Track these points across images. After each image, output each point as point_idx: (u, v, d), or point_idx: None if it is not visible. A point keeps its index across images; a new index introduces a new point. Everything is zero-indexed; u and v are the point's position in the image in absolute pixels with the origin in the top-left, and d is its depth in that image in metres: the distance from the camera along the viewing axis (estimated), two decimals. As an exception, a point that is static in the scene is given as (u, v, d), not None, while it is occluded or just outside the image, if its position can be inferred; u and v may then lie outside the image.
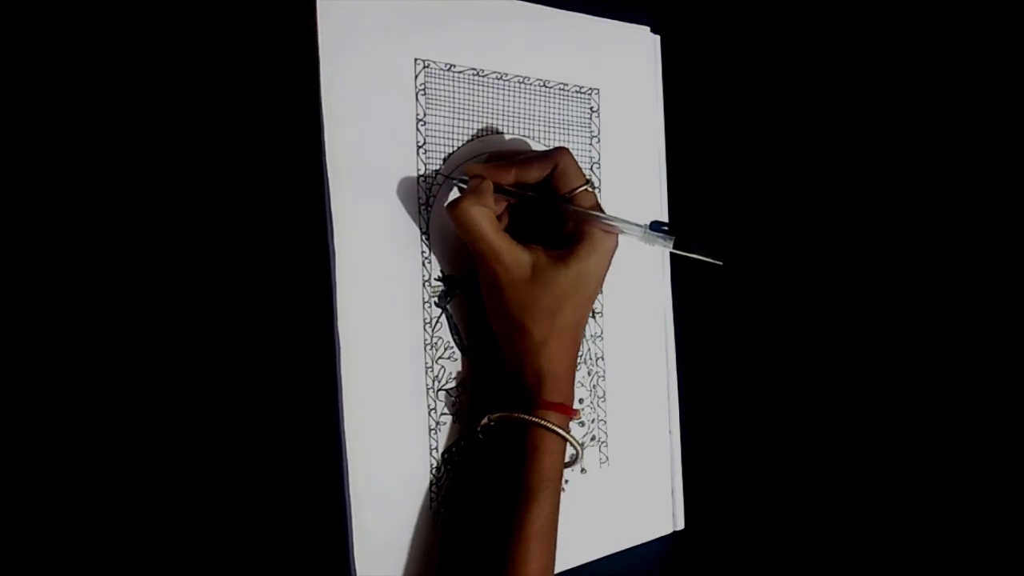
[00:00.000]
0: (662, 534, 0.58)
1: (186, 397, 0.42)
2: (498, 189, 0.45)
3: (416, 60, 0.47)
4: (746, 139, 0.65)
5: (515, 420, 0.44)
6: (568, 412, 0.45)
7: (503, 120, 0.50)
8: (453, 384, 0.48)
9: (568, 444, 0.45)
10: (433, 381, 0.47)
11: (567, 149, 0.46)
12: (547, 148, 0.50)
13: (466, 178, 0.45)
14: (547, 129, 0.52)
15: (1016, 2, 0.67)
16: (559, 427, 0.44)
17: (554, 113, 0.53)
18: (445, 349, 0.48)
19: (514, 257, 0.44)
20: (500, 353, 0.47)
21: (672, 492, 0.59)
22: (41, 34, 0.39)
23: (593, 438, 0.54)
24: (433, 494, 0.47)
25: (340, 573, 0.44)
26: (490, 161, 0.48)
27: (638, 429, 0.57)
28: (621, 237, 0.47)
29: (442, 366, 0.48)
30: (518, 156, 0.47)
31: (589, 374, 0.54)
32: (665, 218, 0.59)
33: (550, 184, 0.46)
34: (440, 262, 0.48)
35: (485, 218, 0.43)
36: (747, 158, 0.65)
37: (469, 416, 0.48)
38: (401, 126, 0.46)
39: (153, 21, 0.41)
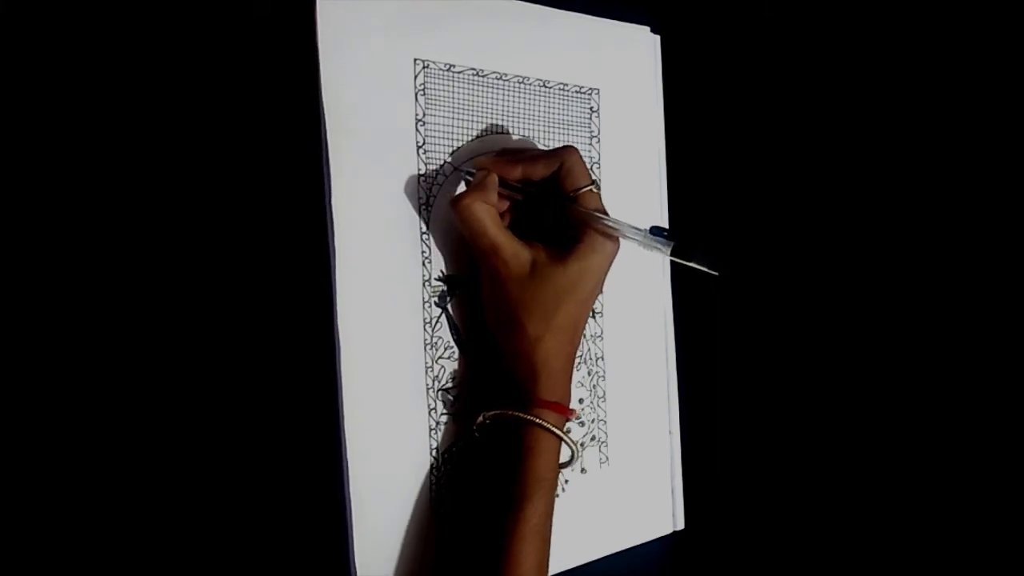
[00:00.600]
0: (662, 534, 0.58)
1: (186, 397, 0.42)
2: (503, 184, 0.45)
3: (416, 60, 0.47)
4: (746, 139, 0.65)
5: (510, 418, 0.44)
6: (564, 411, 0.45)
7: (503, 120, 0.50)
8: (453, 384, 0.48)
9: (564, 443, 0.45)
10: (433, 381, 0.47)
11: (575, 148, 0.46)
12: (550, 148, 0.50)
13: (473, 170, 0.46)
14: (547, 129, 0.52)
15: (1016, 2, 0.67)
16: (554, 426, 0.44)
17: (554, 113, 0.53)
18: (445, 349, 0.48)
19: (514, 253, 0.44)
20: (497, 351, 0.47)
21: (672, 492, 0.59)
22: (41, 34, 0.39)
23: (593, 438, 0.54)
24: (433, 494, 0.47)
25: (340, 573, 0.44)
26: (498, 156, 0.48)
27: (638, 429, 0.57)
28: (622, 239, 0.47)
29: (442, 366, 0.48)
30: (526, 153, 0.48)
31: (589, 374, 0.54)
32: (665, 219, 0.59)
33: (556, 182, 0.46)
34: (440, 262, 0.48)
35: (487, 214, 0.43)
36: (747, 158, 0.65)
37: (469, 416, 0.48)
38: (401, 126, 0.46)
39: (153, 21, 0.41)
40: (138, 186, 0.41)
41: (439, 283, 0.48)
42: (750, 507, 0.64)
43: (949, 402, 0.67)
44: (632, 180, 0.57)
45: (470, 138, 0.49)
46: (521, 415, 0.44)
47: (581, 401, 0.53)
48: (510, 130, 0.51)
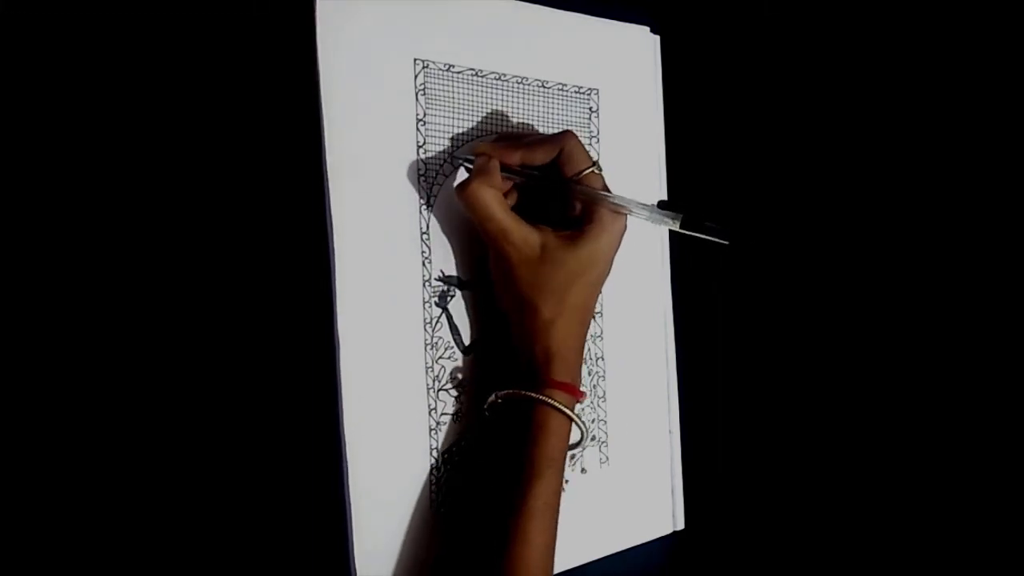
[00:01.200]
0: (662, 534, 0.58)
1: (186, 397, 0.42)
2: (504, 169, 0.45)
3: (415, 60, 0.47)
4: (746, 139, 0.65)
5: (522, 398, 0.44)
6: (575, 392, 0.45)
7: (503, 120, 0.50)
8: (453, 384, 0.48)
9: (574, 425, 0.45)
10: (433, 381, 0.47)
11: (573, 132, 0.46)
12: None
13: (472, 157, 0.46)
14: (547, 129, 0.52)
15: (1016, 2, 0.67)
16: (565, 406, 0.44)
17: (553, 113, 0.53)
18: (445, 349, 0.48)
19: (523, 237, 0.44)
20: (508, 332, 0.47)
21: (672, 492, 0.59)
22: (41, 34, 0.39)
23: (593, 438, 0.54)
24: (433, 494, 0.47)
25: (340, 573, 0.44)
26: (497, 141, 0.48)
27: (638, 429, 0.57)
28: (632, 217, 0.47)
29: (442, 366, 0.48)
30: (525, 138, 0.48)
31: (589, 374, 0.54)
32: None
33: (557, 167, 0.46)
34: (440, 262, 0.48)
35: (494, 198, 0.44)
36: (747, 158, 0.65)
37: (469, 416, 0.48)
38: (401, 126, 0.46)
39: (153, 21, 0.41)
40: (138, 186, 0.41)
41: (439, 283, 0.48)
42: (750, 507, 0.64)
43: (952, 401, 0.67)
44: (632, 181, 0.57)
45: (470, 138, 0.49)
46: (533, 395, 0.44)
47: (580, 403, 0.53)
48: (508, 131, 0.51)
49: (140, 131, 0.41)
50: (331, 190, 0.43)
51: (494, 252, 0.46)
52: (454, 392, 0.48)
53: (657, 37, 0.58)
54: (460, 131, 0.49)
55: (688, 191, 0.60)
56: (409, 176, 0.46)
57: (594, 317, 0.54)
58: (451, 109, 0.48)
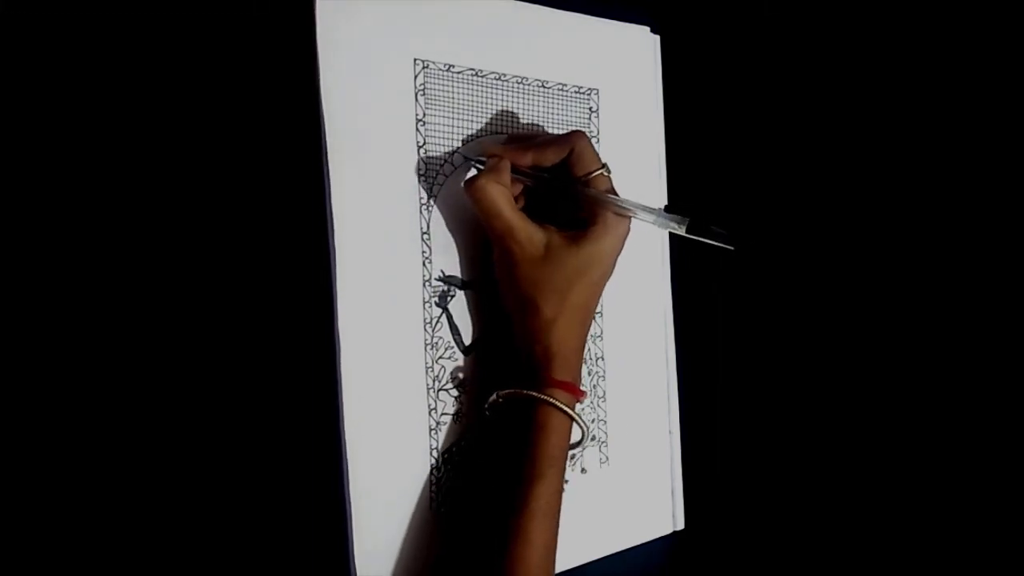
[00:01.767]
0: (662, 534, 0.58)
1: (186, 397, 0.42)
2: (514, 170, 0.46)
3: (415, 60, 0.47)
4: (746, 139, 0.65)
5: (523, 397, 0.44)
6: (575, 392, 0.45)
7: (503, 120, 0.50)
8: (453, 384, 0.48)
9: (575, 424, 0.45)
10: (433, 381, 0.47)
11: (584, 133, 0.47)
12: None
13: (483, 158, 0.46)
14: (547, 130, 0.52)
15: (1016, 2, 0.67)
16: (566, 405, 0.44)
17: (553, 113, 0.53)
18: (445, 349, 0.48)
19: (528, 235, 0.45)
20: (510, 331, 0.47)
21: (672, 492, 0.59)
22: (41, 34, 0.39)
23: (593, 438, 0.54)
24: (433, 494, 0.47)
25: (340, 573, 0.44)
26: (508, 143, 0.49)
27: (638, 429, 0.57)
28: (637, 220, 0.47)
29: (442, 366, 0.48)
30: (535, 139, 0.48)
31: (589, 374, 0.54)
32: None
33: (566, 167, 0.46)
34: (440, 262, 0.48)
35: (501, 196, 0.44)
36: (747, 158, 0.65)
37: (469, 416, 0.48)
38: (401, 126, 0.46)
39: (153, 21, 0.41)
40: (138, 186, 0.41)
41: (439, 283, 0.48)
42: (750, 507, 0.64)
43: (952, 401, 0.67)
44: (632, 181, 0.56)
45: (470, 138, 0.49)
46: (534, 394, 0.44)
47: (580, 403, 0.53)
48: (510, 131, 0.51)
49: (140, 131, 0.41)
50: (331, 190, 0.43)
51: (498, 249, 0.46)
52: (454, 392, 0.48)
53: (657, 37, 0.58)
54: (460, 131, 0.49)
55: (688, 191, 0.60)
56: (409, 176, 0.46)
57: (594, 317, 0.54)
58: (451, 109, 0.48)
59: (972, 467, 0.67)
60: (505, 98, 0.50)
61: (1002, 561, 0.66)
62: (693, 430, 0.60)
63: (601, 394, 0.55)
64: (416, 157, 0.47)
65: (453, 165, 0.48)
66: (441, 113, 0.48)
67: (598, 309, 0.54)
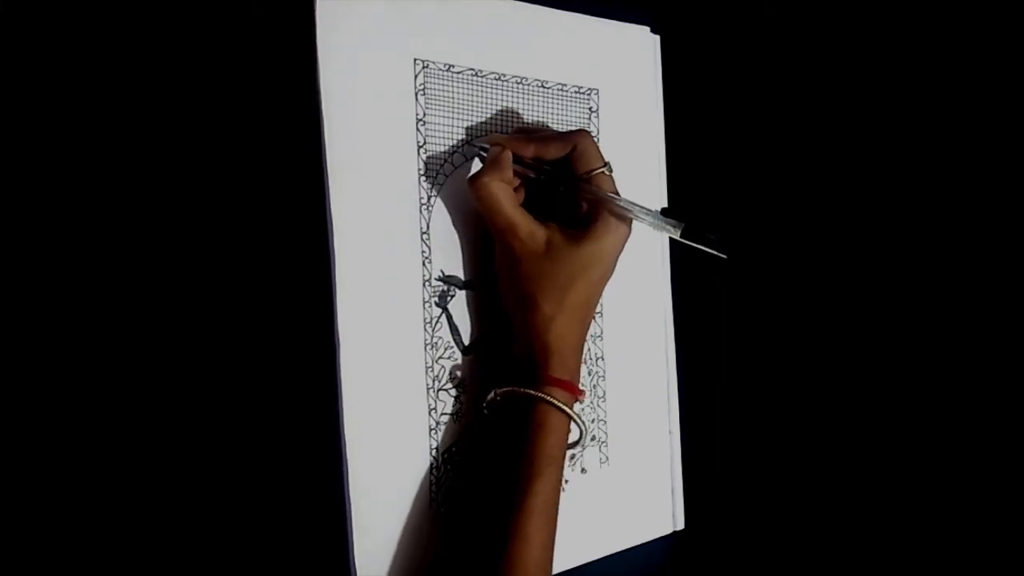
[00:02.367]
0: (662, 534, 0.58)
1: (186, 397, 0.42)
2: (517, 161, 0.46)
3: (415, 60, 0.47)
4: (746, 139, 0.65)
5: (521, 395, 0.44)
6: (573, 390, 0.45)
7: (503, 120, 0.50)
8: (452, 384, 0.48)
9: (573, 423, 0.45)
10: (433, 381, 0.47)
11: (588, 132, 0.47)
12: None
13: (487, 147, 0.46)
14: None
15: (1016, 2, 0.67)
16: (564, 404, 0.44)
17: (553, 113, 0.53)
18: (445, 349, 0.48)
19: (530, 232, 0.45)
20: (509, 331, 0.47)
21: (672, 492, 0.59)
22: (41, 34, 0.39)
23: (593, 438, 0.54)
24: (433, 494, 0.47)
25: (340, 573, 0.44)
26: (512, 134, 0.49)
27: (638, 429, 0.57)
28: (634, 222, 0.47)
29: (442, 366, 0.48)
30: (539, 133, 0.49)
31: (589, 374, 0.54)
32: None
33: (569, 164, 0.47)
34: (440, 262, 0.48)
35: (504, 192, 0.44)
36: (747, 158, 0.65)
37: (469, 416, 0.48)
38: (401, 126, 0.46)
39: (153, 21, 0.41)
40: (138, 186, 0.41)
41: (439, 283, 0.48)
42: (750, 507, 0.64)
43: (952, 401, 0.67)
44: (632, 181, 0.56)
45: (470, 138, 0.49)
46: (532, 392, 0.44)
47: (580, 402, 0.53)
48: (510, 131, 0.51)
49: (140, 131, 0.41)
50: (331, 190, 0.43)
51: (500, 246, 0.46)
52: (454, 392, 0.48)
53: (657, 37, 0.58)
54: (460, 131, 0.49)
55: (687, 191, 0.60)
56: (409, 176, 0.46)
57: (594, 317, 0.54)
58: (451, 109, 0.48)
59: (972, 467, 0.67)
60: (505, 98, 0.50)
61: (1002, 561, 0.66)
62: (693, 430, 0.60)
63: (601, 394, 0.55)
64: (416, 157, 0.47)
65: (453, 165, 0.48)
66: (441, 113, 0.48)
67: (598, 309, 0.54)
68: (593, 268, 0.46)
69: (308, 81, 0.43)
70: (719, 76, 0.64)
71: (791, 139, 0.66)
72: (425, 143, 0.47)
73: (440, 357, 0.48)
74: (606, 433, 0.55)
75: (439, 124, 0.48)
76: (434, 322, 0.47)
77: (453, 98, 0.48)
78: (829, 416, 0.66)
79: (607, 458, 0.55)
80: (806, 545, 0.65)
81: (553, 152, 0.46)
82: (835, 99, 0.67)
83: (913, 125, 0.68)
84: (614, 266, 0.47)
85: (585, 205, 0.47)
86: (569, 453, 0.47)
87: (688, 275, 0.60)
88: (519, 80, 0.51)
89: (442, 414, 0.47)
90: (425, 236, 0.47)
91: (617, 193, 0.47)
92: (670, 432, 0.59)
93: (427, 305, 0.47)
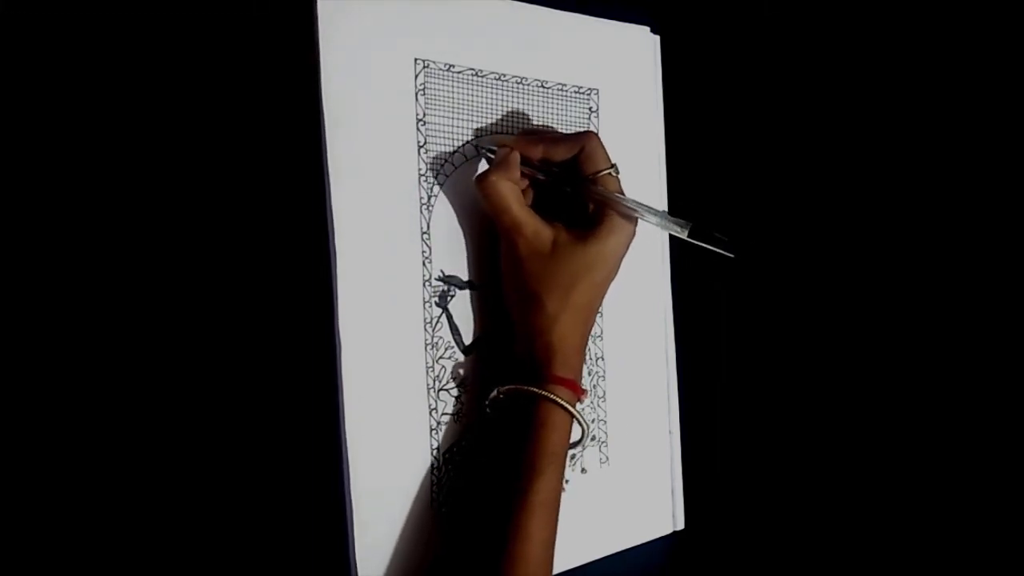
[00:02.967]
0: (662, 534, 0.58)
1: (186, 397, 0.42)
2: (524, 163, 0.46)
3: (416, 60, 0.47)
4: (746, 139, 0.65)
5: (524, 393, 0.44)
6: (576, 389, 0.45)
7: (503, 120, 0.50)
8: (453, 384, 0.48)
9: (575, 422, 0.45)
10: (433, 381, 0.47)
11: (595, 133, 0.48)
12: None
13: (494, 148, 0.47)
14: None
15: (1016, 2, 0.67)
16: (567, 402, 0.44)
17: (553, 113, 0.53)
18: (445, 349, 0.48)
19: (536, 231, 0.45)
20: (510, 330, 0.47)
21: (672, 492, 0.59)
22: (41, 34, 0.39)
23: (593, 438, 0.54)
24: (433, 494, 0.47)
25: (340, 573, 0.44)
26: (520, 136, 0.49)
27: (638, 429, 0.57)
28: (641, 222, 0.47)
29: (442, 366, 0.48)
30: (547, 134, 0.49)
31: (589, 374, 0.54)
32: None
33: (576, 165, 0.47)
34: (440, 262, 0.48)
35: (511, 191, 0.45)
36: (747, 158, 0.65)
37: (470, 416, 0.48)
38: (401, 126, 0.46)
39: (153, 21, 0.41)
40: (138, 186, 0.41)
41: (439, 283, 0.48)
42: (750, 507, 0.64)
43: (952, 401, 0.67)
44: (632, 181, 0.56)
45: (470, 138, 0.49)
46: (535, 390, 0.44)
47: (581, 402, 0.53)
48: (510, 130, 0.51)
49: (140, 131, 0.41)
50: (332, 190, 0.43)
51: (505, 244, 0.46)
52: (454, 392, 0.48)
53: (657, 37, 0.58)
54: (460, 131, 0.49)
55: (688, 191, 0.60)
56: (409, 176, 0.46)
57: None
58: (451, 109, 0.48)
59: (971, 468, 0.67)
60: (505, 98, 0.50)
61: (1002, 561, 0.66)
62: (693, 430, 0.60)
63: (601, 394, 0.55)
64: (416, 157, 0.47)
65: (454, 165, 0.48)
66: (441, 113, 0.48)
67: (599, 309, 0.54)
68: (597, 269, 0.46)
69: (309, 81, 0.43)
70: (719, 76, 0.64)
71: (791, 139, 0.66)
72: (425, 143, 0.47)
73: (440, 357, 0.48)
74: (606, 433, 0.55)
75: (439, 124, 0.48)
76: (434, 322, 0.47)
77: (453, 98, 0.48)
78: (829, 416, 0.66)
79: (607, 458, 0.55)
80: (806, 545, 0.65)
81: (561, 154, 0.47)
82: (835, 99, 0.67)
83: (915, 125, 0.68)
84: (618, 267, 0.48)
85: (591, 206, 0.47)
86: (569, 453, 0.47)
87: (688, 275, 0.60)
88: (519, 80, 0.51)
89: (443, 414, 0.47)
90: (425, 236, 0.47)
91: (623, 194, 0.47)
92: (670, 432, 0.59)
93: (427, 305, 0.47)
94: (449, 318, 0.48)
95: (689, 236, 0.46)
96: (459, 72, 0.48)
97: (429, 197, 0.47)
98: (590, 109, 0.54)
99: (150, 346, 0.41)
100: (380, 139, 0.45)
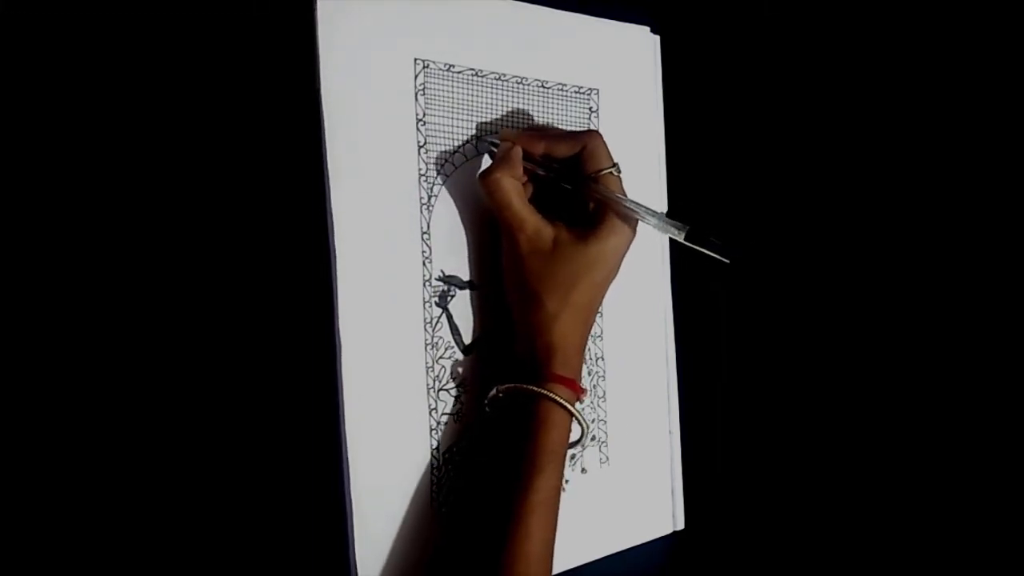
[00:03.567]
0: (662, 534, 0.58)
1: (186, 397, 0.42)
2: (526, 158, 0.46)
3: (416, 60, 0.47)
4: (746, 139, 0.65)
5: (524, 392, 0.44)
6: (576, 388, 0.45)
7: (503, 120, 0.50)
8: (453, 384, 0.48)
9: (575, 420, 0.45)
10: (433, 381, 0.47)
11: (598, 132, 0.48)
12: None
13: (497, 142, 0.47)
14: (547, 129, 0.52)
15: (1016, 2, 0.67)
16: (567, 401, 0.44)
17: (553, 113, 0.53)
18: (445, 349, 0.48)
19: (537, 229, 0.45)
20: (510, 330, 0.47)
21: (672, 492, 0.59)
22: (41, 34, 0.39)
23: (593, 438, 0.54)
24: (433, 493, 0.47)
25: (340, 572, 0.44)
26: (523, 131, 0.50)
27: (638, 429, 0.57)
28: (639, 223, 0.47)
29: (442, 366, 0.48)
30: (550, 131, 0.50)
31: (589, 374, 0.54)
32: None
33: (578, 163, 0.47)
34: (440, 262, 0.48)
35: (514, 189, 0.45)
36: (747, 158, 0.65)
37: (469, 416, 0.48)
38: (401, 126, 0.46)
39: (153, 21, 0.41)
40: (138, 186, 0.41)
41: (439, 283, 0.48)
42: (750, 507, 0.64)
43: (952, 401, 0.67)
44: (632, 181, 0.56)
45: (470, 138, 0.49)
46: (534, 388, 0.44)
47: (580, 401, 0.53)
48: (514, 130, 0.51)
49: (140, 131, 0.41)
50: (331, 190, 0.43)
51: (507, 242, 0.46)
52: (454, 392, 0.48)
53: (657, 37, 0.58)
54: (460, 131, 0.49)
55: (687, 192, 0.60)
56: (409, 176, 0.46)
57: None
58: (451, 109, 0.48)
59: (971, 468, 0.67)
60: (505, 98, 0.50)
61: (1002, 561, 0.66)
62: (693, 430, 0.60)
63: (601, 394, 0.55)
64: (416, 157, 0.47)
65: (454, 165, 0.48)
66: (441, 113, 0.48)
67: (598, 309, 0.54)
68: (598, 268, 0.46)
69: (308, 81, 0.43)
70: (719, 76, 0.64)
71: (791, 140, 0.66)
72: (425, 143, 0.47)
73: (440, 357, 0.48)
74: (606, 433, 0.55)
75: (439, 124, 0.48)
76: (434, 322, 0.47)
77: (453, 98, 0.48)
78: (829, 416, 0.66)
79: (607, 458, 0.55)
80: (806, 545, 0.65)
81: (563, 150, 0.47)
82: (835, 100, 0.67)
83: (915, 126, 0.68)
84: (619, 267, 0.48)
85: (592, 204, 0.47)
86: (569, 453, 0.47)
87: (688, 276, 0.60)
88: (519, 80, 0.51)
89: (443, 414, 0.47)
90: (425, 236, 0.47)
91: (624, 194, 0.47)
92: (670, 432, 0.59)
93: (427, 305, 0.47)
94: (449, 318, 0.48)
95: (686, 239, 0.46)
96: (459, 72, 0.48)
97: (429, 197, 0.47)
98: (590, 109, 0.54)
99: (150, 346, 0.41)
100: (380, 139, 0.45)
